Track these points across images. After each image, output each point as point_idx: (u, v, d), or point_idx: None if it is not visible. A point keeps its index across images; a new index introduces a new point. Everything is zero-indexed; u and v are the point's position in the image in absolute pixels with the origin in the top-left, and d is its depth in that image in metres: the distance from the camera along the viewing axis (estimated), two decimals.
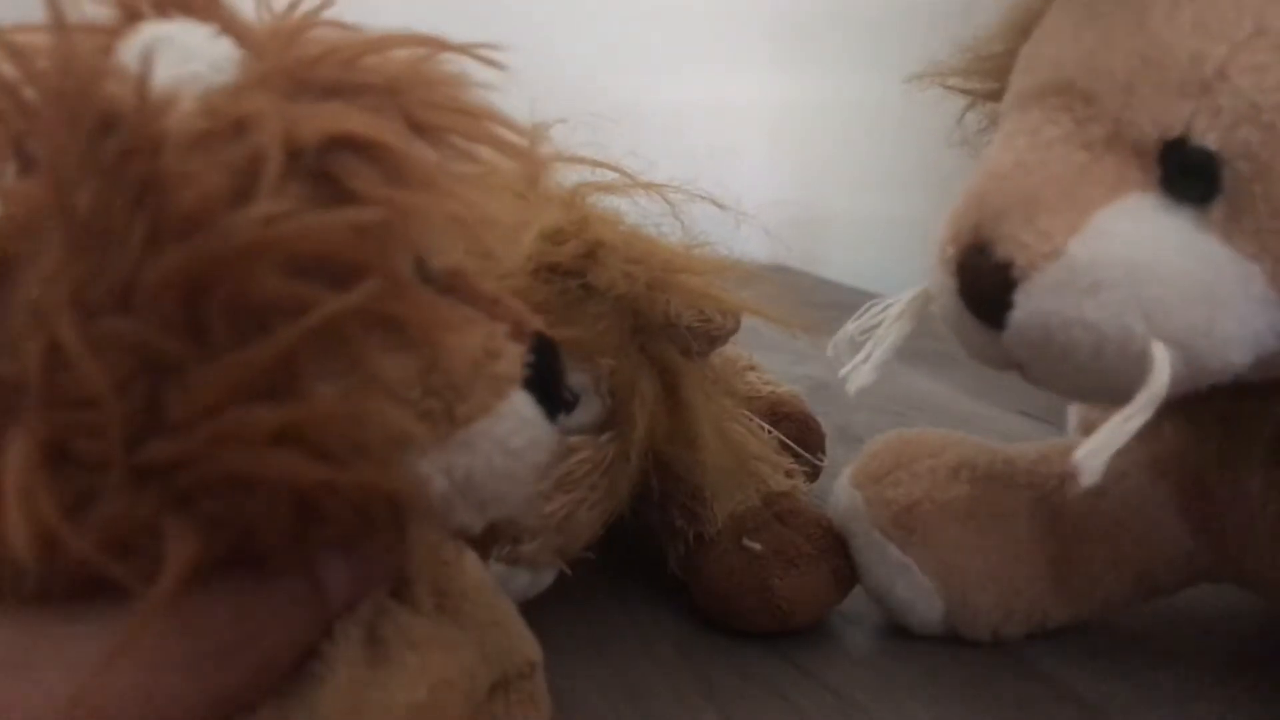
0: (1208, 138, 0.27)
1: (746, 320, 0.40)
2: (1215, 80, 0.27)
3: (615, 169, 0.39)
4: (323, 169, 0.19)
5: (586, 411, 0.37)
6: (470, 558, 0.27)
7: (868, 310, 0.36)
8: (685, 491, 0.39)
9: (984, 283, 0.29)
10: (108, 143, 0.18)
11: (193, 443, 0.18)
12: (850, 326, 0.36)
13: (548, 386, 0.23)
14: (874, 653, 0.38)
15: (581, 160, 0.38)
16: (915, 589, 0.38)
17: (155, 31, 0.20)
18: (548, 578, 0.37)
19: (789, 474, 0.42)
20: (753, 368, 0.53)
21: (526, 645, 0.27)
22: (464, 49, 0.23)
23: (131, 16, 0.21)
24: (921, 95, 0.37)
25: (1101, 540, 0.38)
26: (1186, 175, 0.28)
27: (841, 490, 0.40)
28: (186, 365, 0.18)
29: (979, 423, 0.65)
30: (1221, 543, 0.37)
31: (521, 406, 0.22)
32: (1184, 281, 0.27)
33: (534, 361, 0.23)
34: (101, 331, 0.17)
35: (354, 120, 0.20)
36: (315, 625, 0.21)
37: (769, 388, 0.51)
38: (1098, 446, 0.27)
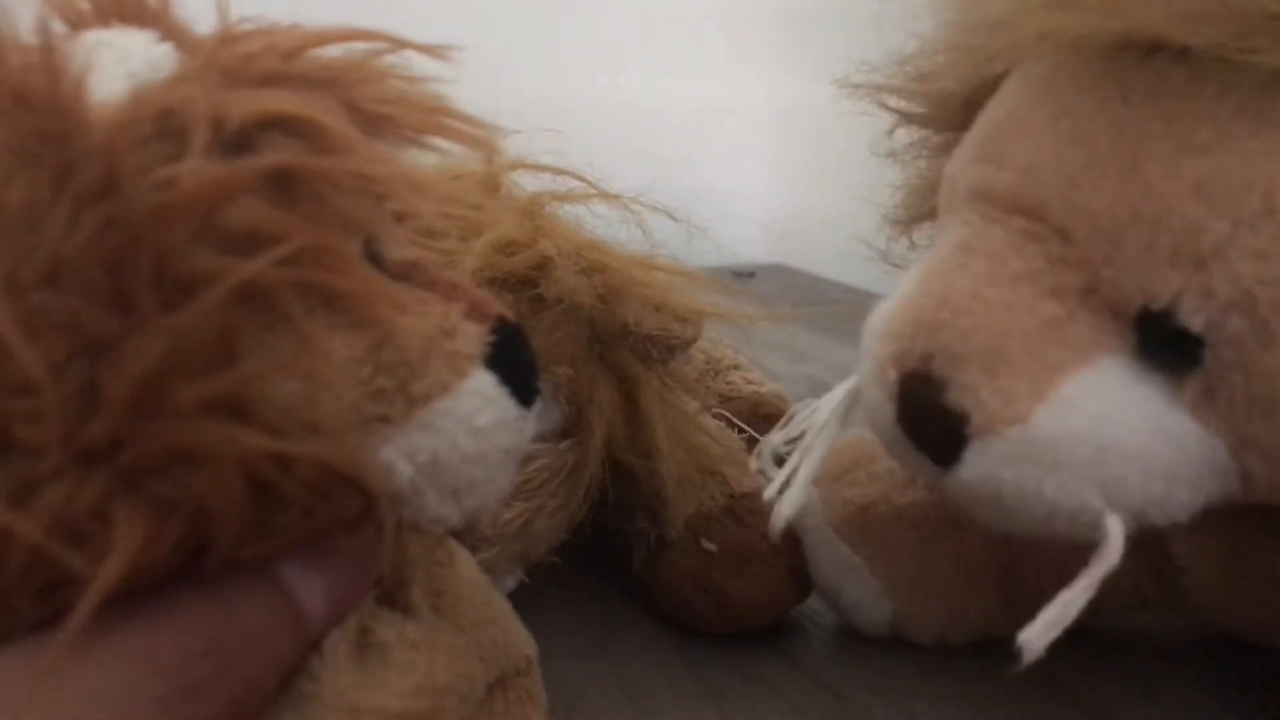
0: (1195, 319, 0.25)
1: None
2: (1212, 258, 0.24)
3: (577, 177, 0.39)
4: (248, 147, 0.19)
5: (545, 419, 0.37)
6: (464, 557, 0.27)
7: (792, 416, 0.34)
8: (648, 493, 0.39)
9: (932, 425, 0.27)
10: (21, 126, 0.18)
11: (128, 418, 0.18)
12: (775, 437, 0.34)
13: (514, 368, 0.22)
14: (874, 652, 0.38)
15: (542, 168, 0.38)
16: (865, 590, 0.37)
17: (95, 37, 0.20)
18: (508, 585, 0.37)
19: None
20: (737, 367, 0.53)
21: (522, 641, 0.27)
22: (412, 45, 0.23)
23: (76, 26, 0.21)
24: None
25: (1051, 558, 0.37)
26: (1165, 348, 0.26)
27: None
28: (120, 343, 0.18)
29: None
30: (1162, 574, 0.37)
31: (483, 385, 0.22)
32: (1149, 460, 0.26)
33: (497, 342, 0.22)
34: (33, 311, 0.18)
35: (282, 101, 0.20)
36: (295, 647, 0.21)
37: (751, 387, 0.51)
38: (1045, 627, 0.26)
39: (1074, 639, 0.38)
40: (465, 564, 0.27)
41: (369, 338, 0.20)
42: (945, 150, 0.32)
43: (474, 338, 0.22)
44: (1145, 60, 0.25)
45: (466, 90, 0.24)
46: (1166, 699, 0.35)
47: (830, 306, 0.90)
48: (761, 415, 0.49)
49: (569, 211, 0.39)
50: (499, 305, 0.23)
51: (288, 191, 0.19)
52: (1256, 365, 0.25)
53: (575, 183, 0.39)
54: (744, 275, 1.04)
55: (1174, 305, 0.25)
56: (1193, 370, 0.25)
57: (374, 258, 0.22)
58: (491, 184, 0.38)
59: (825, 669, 0.37)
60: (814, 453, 0.32)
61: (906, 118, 0.35)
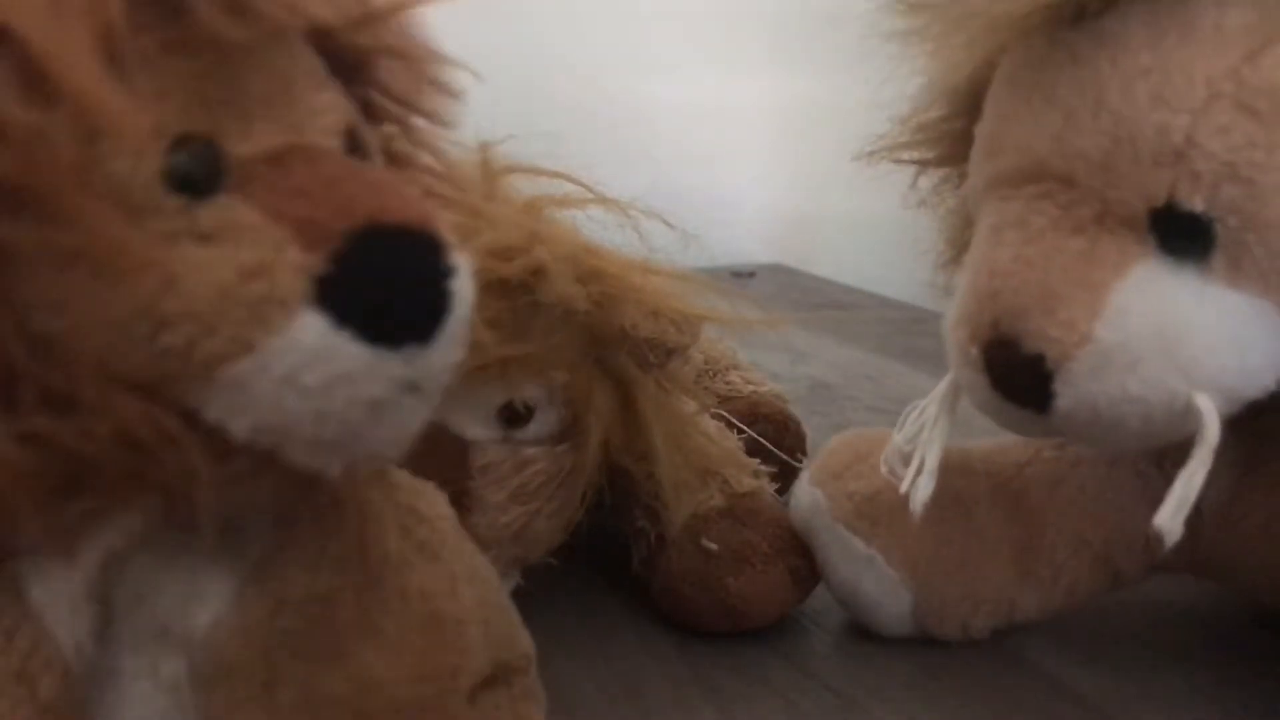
0: (1193, 201, 0.28)
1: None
2: (1186, 148, 0.28)
3: (574, 181, 0.39)
4: None
5: (542, 423, 0.37)
6: (469, 549, 0.27)
7: (905, 419, 0.37)
8: (647, 492, 0.39)
9: (1019, 376, 0.30)
10: None
11: None
12: (897, 438, 0.36)
13: (362, 298, 0.18)
14: (874, 652, 0.38)
15: (539, 172, 0.38)
16: (882, 582, 0.38)
17: None
18: (506, 587, 0.37)
19: (756, 475, 0.42)
20: (736, 367, 0.53)
21: (524, 639, 0.27)
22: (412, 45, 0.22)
23: None
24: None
25: (1061, 525, 0.38)
26: (1181, 237, 0.29)
27: (801, 491, 0.40)
28: None
29: (979, 422, 0.64)
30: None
31: (307, 336, 0.18)
32: (1208, 333, 0.29)
33: (337, 271, 0.18)
34: None
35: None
36: None
37: (750, 388, 0.51)
38: (1174, 508, 0.29)
39: (1074, 639, 0.39)
40: (469, 554, 0.27)
41: (138, 292, 0.17)
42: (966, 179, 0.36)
43: (291, 276, 0.18)
44: (1077, 26, 0.30)
45: (463, 91, 0.24)
46: (1166, 699, 0.35)
47: (830, 307, 0.91)
48: (761, 415, 0.50)
49: (567, 216, 0.39)
50: (365, 209, 0.19)
51: None
52: (1259, 221, 0.28)
53: (573, 187, 0.39)
54: (744, 276, 1.04)
55: (1173, 197, 0.28)
56: (1212, 248, 0.29)
57: (357, 149, 0.21)
58: (489, 188, 0.38)
59: (825, 669, 0.37)
60: (934, 444, 0.35)
61: (925, 164, 0.38)
